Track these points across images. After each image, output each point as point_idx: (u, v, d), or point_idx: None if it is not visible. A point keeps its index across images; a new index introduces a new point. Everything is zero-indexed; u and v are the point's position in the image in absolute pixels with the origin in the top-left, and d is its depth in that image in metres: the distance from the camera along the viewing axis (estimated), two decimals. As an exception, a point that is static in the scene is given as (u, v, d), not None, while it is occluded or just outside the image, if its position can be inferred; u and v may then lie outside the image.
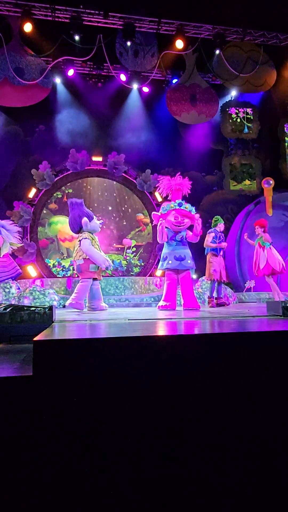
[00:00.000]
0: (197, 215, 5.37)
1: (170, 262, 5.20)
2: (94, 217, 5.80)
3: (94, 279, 5.61)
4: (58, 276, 10.20)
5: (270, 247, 6.60)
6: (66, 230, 9.79)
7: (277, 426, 1.85)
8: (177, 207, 5.28)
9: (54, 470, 1.60)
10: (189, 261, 5.22)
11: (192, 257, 5.38)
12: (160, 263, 5.47)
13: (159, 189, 5.75)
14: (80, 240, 5.56)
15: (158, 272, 10.56)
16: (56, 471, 1.60)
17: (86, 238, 5.51)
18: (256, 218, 10.79)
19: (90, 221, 5.63)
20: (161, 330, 2.39)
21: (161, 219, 5.30)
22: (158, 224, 5.23)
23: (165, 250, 5.39)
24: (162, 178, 5.70)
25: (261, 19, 9.78)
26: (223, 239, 6.81)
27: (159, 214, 5.40)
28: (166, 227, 5.31)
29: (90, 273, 5.52)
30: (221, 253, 6.66)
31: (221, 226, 6.76)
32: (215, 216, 6.95)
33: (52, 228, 10.62)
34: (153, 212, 5.75)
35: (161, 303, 5.27)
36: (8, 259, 6.60)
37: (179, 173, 5.76)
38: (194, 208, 5.45)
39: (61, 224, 10.51)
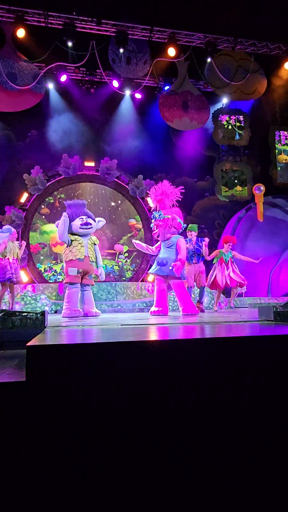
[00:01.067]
0: (170, 218, 5.35)
1: (154, 267, 5.32)
2: (78, 218, 5.54)
3: (85, 284, 5.50)
4: (49, 281, 10.15)
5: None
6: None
7: (270, 428, 1.87)
8: (156, 219, 5.38)
9: (48, 476, 1.59)
10: (170, 267, 5.11)
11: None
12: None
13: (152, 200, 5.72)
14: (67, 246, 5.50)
15: (150, 277, 10.58)
16: (51, 477, 1.59)
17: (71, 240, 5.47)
18: (248, 224, 10.94)
19: (71, 222, 5.46)
20: (154, 335, 2.39)
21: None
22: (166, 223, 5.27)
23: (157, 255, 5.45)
24: (150, 191, 5.70)
25: (252, 29, 9.96)
26: (198, 246, 6.72)
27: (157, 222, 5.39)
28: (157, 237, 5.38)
29: (70, 277, 5.33)
30: (194, 260, 6.65)
31: (191, 234, 6.68)
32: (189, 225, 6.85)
33: (44, 237, 10.59)
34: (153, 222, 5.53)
35: (153, 308, 5.27)
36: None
37: (161, 182, 5.63)
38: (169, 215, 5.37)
39: (53, 233, 10.49)
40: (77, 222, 5.46)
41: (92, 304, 5.55)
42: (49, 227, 10.51)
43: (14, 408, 1.59)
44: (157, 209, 5.42)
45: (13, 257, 6.49)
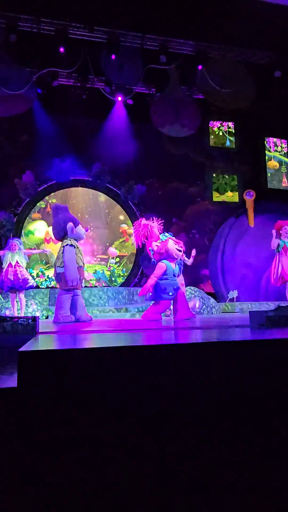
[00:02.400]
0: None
1: (170, 294, 5.13)
2: (80, 224, 5.54)
3: (75, 288, 5.36)
4: (41, 286, 10.09)
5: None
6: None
7: (264, 432, 1.87)
8: (170, 236, 5.36)
9: (41, 484, 1.58)
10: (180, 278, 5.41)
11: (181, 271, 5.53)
12: (162, 294, 5.18)
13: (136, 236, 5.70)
14: (64, 246, 5.23)
15: (142, 283, 10.58)
16: (43, 485, 1.58)
17: (71, 245, 5.21)
18: (239, 229, 11.02)
19: (75, 227, 5.35)
20: (147, 340, 2.39)
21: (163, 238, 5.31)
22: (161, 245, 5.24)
23: (163, 281, 5.16)
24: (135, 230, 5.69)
25: (242, 38, 10.11)
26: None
27: (159, 244, 5.35)
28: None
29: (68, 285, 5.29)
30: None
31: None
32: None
33: (30, 238, 10.52)
34: (153, 244, 5.43)
35: (146, 313, 5.25)
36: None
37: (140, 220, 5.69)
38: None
39: (38, 231, 10.44)
40: (82, 228, 5.47)
41: (84, 309, 5.46)
42: (33, 226, 10.46)
43: (5, 415, 1.58)
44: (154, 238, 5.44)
45: (14, 264, 6.41)
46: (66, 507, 1.59)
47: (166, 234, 5.37)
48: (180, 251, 5.25)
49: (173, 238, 5.37)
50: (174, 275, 5.22)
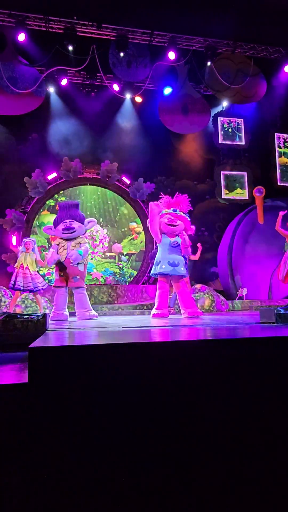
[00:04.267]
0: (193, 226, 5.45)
1: (163, 266, 5.08)
2: (62, 223, 5.56)
3: (74, 287, 5.36)
4: (50, 284, 10.15)
5: None
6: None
7: (269, 429, 1.86)
8: (171, 212, 5.32)
9: (50, 478, 1.59)
10: (182, 268, 5.14)
11: (185, 265, 5.39)
12: (153, 267, 5.31)
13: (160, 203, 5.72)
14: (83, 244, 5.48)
15: (151, 280, 10.58)
16: (53, 479, 1.59)
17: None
18: (248, 227, 10.94)
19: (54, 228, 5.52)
20: (156, 337, 2.39)
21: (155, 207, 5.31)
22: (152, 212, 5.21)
23: (158, 255, 5.27)
24: (162, 197, 5.68)
25: (251, 33, 10.01)
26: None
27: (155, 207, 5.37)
28: (162, 233, 5.30)
29: (55, 280, 5.39)
30: None
31: None
32: None
33: (41, 231, 10.57)
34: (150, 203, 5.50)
35: (154, 311, 5.25)
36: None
37: (177, 193, 5.65)
38: (188, 216, 5.49)
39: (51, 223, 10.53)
40: (60, 227, 5.45)
41: (85, 306, 5.37)
42: (47, 218, 10.53)
43: (16, 410, 1.59)
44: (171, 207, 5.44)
45: (25, 266, 6.47)
46: (76, 501, 1.60)
47: (167, 210, 5.38)
48: (171, 225, 5.22)
49: (176, 214, 5.29)
50: (170, 250, 5.16)
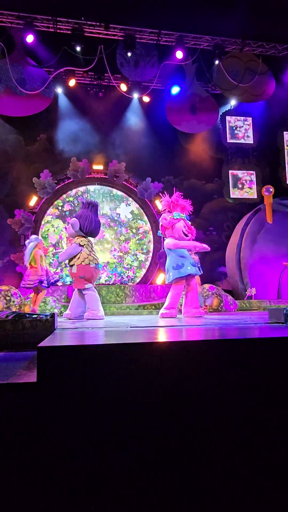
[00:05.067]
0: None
1: (189, 268, 5.03)
2: None
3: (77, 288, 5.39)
4: (58, 284, 10.20)
5: None
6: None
7: (280, 430, 1.85)
8: (185, 219, 5.30)
9: (57, 476, 1.60)
10: (199, 267, 5.30)
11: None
12: (176, 271, 5.08)
13: (162, 204, 5.68)
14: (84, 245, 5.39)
15: (159, 280, 10.56)
16: (59, 477, 1.60)
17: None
18: (257, 226, 10.87)
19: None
20: (164, 337, 2.39)
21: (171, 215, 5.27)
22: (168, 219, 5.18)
23: (178, 258, 5.12)
24: (164, 197, 5.63)
25: (260, 30, 9.94)
26: None
27: (168, 219, 5.29)
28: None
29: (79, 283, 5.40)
30: None
31: None
32: None
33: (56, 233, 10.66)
34: (163, 216, 5.39)
35: (163, 311, 5.16)
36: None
37: (178, 193, 5.55)
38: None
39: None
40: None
41: (73, 305, 5.44)
42: (57, 222, 10.63)
43: (25, 408, 1.60)
44: (172, 211, 5.39)
45: (43, 265, 6.57)
46: (84, 498, 1.61)
47: (182, 215, 5.29)
48: (186, 236, 5.17)
49: (188, 222, 5.28)
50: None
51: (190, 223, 5.40)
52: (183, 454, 1.74)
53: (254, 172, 11.67)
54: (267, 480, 1.80)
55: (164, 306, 5.20)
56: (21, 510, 1.56)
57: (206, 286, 8.18)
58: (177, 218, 5.22)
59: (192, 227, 5.40)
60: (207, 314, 7.00)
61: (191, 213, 5.53)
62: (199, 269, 5.29)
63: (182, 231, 5.14)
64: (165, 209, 5.46)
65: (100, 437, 1.65)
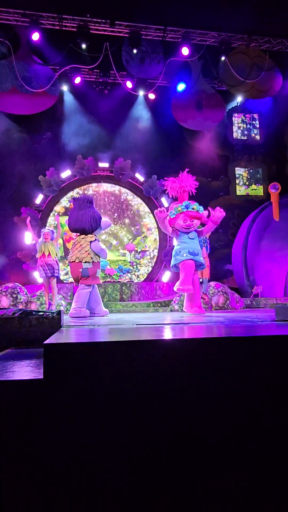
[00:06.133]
0: (206, 212, 5.22)
1: (185, 255, 4.94)
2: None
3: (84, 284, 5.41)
4: (64, 281, 10.24)
5: None
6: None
7: (284, 429, 1.84)
8: (185, 210, 5.14)
9: (63, 473, 1.60)
10: (201, 258, 5.07)
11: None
12: (173, 259, 5.09)
13: (167, 191, 5.67)
14: (91, 242, 5.43)
15: (165, 278, 10.55)
16: (65, 474, 1.60)
17: (97, 240, 5.49)
18: (263, 223, 10.80)
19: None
20: (170, 334, 2.38)
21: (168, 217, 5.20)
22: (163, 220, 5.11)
23: (177, 246, 5.10)
24: (167, 180, 5.59)
25: (266, 26, 9.84)
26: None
27: (168, 218, 5.26)
28: (177, 230, 5.20)
29: (96, 279, 5.43)
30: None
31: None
32: None
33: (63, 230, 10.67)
34: (156, 211, 5.34)
35: (179, 286, 4.88)
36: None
37: (187, 170, 5.56)
38: (202, 207, 5.32)
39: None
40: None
41: (101, 303, 5.53)
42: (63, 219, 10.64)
43: (32, 406, 1.61)
44: (180, 199, 5.33)
45: (47, 254, 6.70)
46: (89, 495, 1.61)
47: (180, 208, 5.15)
48: (187, 228, 5.05)
49: (190, 212, 5.09)
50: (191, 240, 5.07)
51: (194, 207, 5.17)
52: (188, 452, 1.73)
53: (260, 169, 11.59)
54: (273, 485, 1.79)
55: (180, 282, 4.96)
56: (27, 506, 1.57)
57: (212, 283, 8.15)
58: (173, 217, 5.17)
59: (193, 212, 5.14)
60: (207, 303, 7.02)
61: (193, 191, 5.44)
62: (202, 260, 5.09)
63: (183, 227, 5.11)
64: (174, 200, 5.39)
65: (107, 434, 1.66)
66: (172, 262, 5.14)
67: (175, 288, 5.03)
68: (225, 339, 2.08)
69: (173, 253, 5.17)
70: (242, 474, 1.77)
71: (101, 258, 5.61)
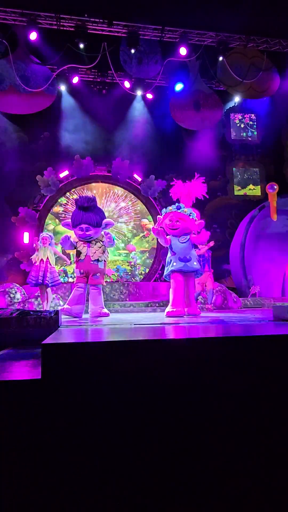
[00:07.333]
0: (200, 222, 5.18)
1: (174, 264, 4.92)
2: (78, 228, 5.48)
3: (91, 284, 5.33)
4: (63, 282, 10.23)
5: None
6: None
7: (283, 428, 1.84)
8: (175, 210, 5.10)
9: (61, 472, 1.60)
10: (194, 263, 4.98)
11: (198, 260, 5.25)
12: (165, 269, 5.13)
13: (171, 194, 5.65)
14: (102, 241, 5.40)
15: (167, 277, 10.53)
16: (63, 474, 1.61)
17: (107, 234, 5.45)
18: (261, 223, 10.82)
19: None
20: (168, 334, 2.39)
21: (160, 226, 5.17)
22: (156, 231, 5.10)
23: (169, 255, 5.11)
24: (174, 183, 5.59)
25: (264, 26, 9.86)
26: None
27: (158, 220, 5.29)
28: (167, 234, 5.16)
29: (76, 277, 5.37)
30: (206, 268, 7.19)
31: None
32: None
33: (58, 238, 10.64)
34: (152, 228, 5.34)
35: (169, 309, 4.94)
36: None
37: (198, 175, 5.58)
38: (195, 213, 5.28)
39: (67, 232, 10.57)
40: (76, 232, 5.32)
41: (98, 303, 5.33)
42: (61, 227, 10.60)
43: (30, 405, 1.61)
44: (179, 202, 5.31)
45: (44, 260, 6.57)
46: (88, 495, 1.61)
47: (170, 208, 5.14)
48: (172, 228, 4.98)
49: (177, 213, 5.03)
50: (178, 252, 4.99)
51: (185, 210, 5.12)
52: (187, 450, 1.74)
53: (258, 169, 11.61)
54: (273, 483, 1.79)
55: (170, 303, 4.99)
56: (26, 506, 1.57)
57: (210, 283, 8.15)
58: (165, 214, 5.18)
59: (182, 213, 5.08)
60: (210, 311, 7.03)
61: (203, 195, 5.45)
62: (195, 265, 5.01)
63: (168, 226, 5.06)
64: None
65: (104, 434, 1.66)
66: (165, 273, 5.17)
67: (165, 313, 4.96)
68: (223, 338, 2.09)
69: (166, 262, 5.19)
70: (242, 473, 1.77)
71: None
